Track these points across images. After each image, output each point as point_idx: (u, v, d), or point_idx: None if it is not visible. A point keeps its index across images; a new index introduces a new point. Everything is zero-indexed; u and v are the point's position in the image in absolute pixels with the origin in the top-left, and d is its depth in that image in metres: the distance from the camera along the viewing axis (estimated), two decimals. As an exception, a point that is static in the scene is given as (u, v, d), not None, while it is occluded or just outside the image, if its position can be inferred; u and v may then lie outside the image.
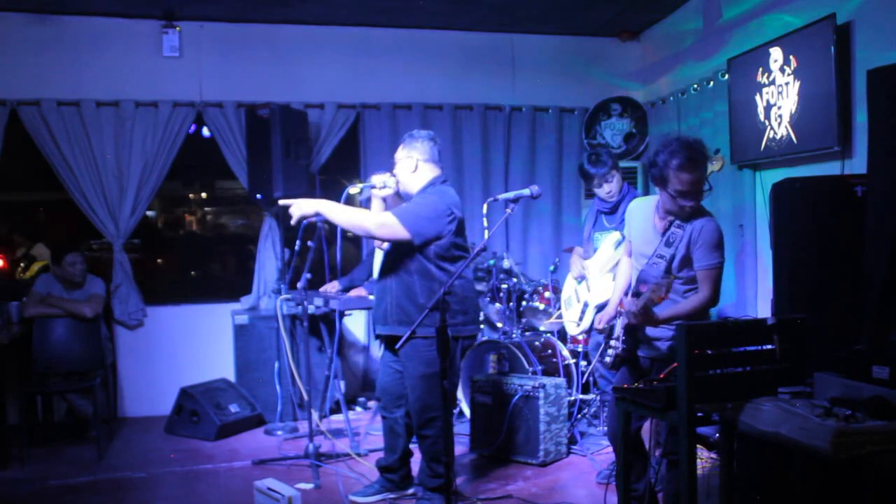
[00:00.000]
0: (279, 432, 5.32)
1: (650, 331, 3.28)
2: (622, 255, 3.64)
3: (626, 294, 3.44)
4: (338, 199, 3.73)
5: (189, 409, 5.36)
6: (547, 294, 5.30)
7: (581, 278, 4.74)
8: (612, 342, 3.30)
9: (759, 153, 4.79)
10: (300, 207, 3.61)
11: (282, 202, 3.77)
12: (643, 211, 3.40)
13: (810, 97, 4.32)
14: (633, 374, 3.31)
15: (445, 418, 3.23)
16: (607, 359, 3.33)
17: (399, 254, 3.75)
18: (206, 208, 9.78)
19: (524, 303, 5.35)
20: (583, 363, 5.10)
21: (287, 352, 5.24)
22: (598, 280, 4.55)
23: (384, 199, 3.93)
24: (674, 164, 3.09)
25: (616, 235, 4.42)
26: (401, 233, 3.63)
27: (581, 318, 4.72)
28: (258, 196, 5.65)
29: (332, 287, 5.29)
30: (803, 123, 4.39)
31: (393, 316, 3.75)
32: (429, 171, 3.86)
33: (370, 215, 3.74)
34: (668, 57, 6.14)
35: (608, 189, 4.48)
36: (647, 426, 3.49)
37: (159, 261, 8.52)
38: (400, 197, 3.92)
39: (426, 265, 3.69)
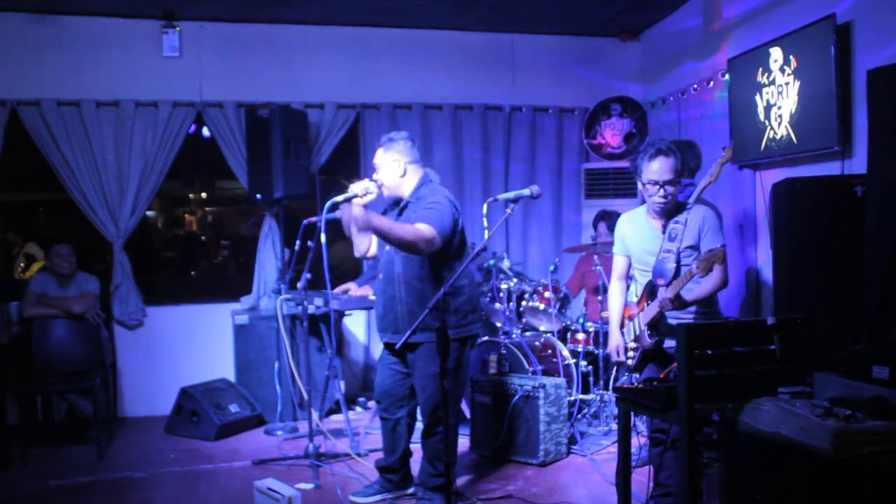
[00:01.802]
0: (279, 432, 5.32)
1: (672, 321, 3.35)
2: (613, 280, 3.67)
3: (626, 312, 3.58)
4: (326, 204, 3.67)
5: (189, 409, 5.36)
6: (547, 294, 5.30)
7: None
8: (630, 343, 3.46)
9: (759, 153, 4.79)
10: (355, 218, 3.54)
11: (336, 200, 3.60)
12: (634, 220, 3.55)
13: (810, 97, 4.32)
14: (661, 368, 3.36)
15: (446, 418, 3.23)
16: (629, 362, 3.49)
17: (408, 261, 3.69)
18: (206, 208, 9.80)
19: (524, 303, 5.35)
20: (583, 363, 5.11)
21: (287, 352, 5.24)
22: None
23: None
24: (645, 156, 3.32)
25: None
26: (438, 243, 3.57)
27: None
28: (258, 196, 5.65)
29: (352, 288, 5.23)
30: (803, 123, 4.39)
31: (406, 324, 3.62)
32: (416, 172, 3.84)
33: (414, 232, 3.53)
34: (668, 57, 6.14)
35: None
36: None
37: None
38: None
39: (439, 271, 3.64)
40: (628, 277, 3.62)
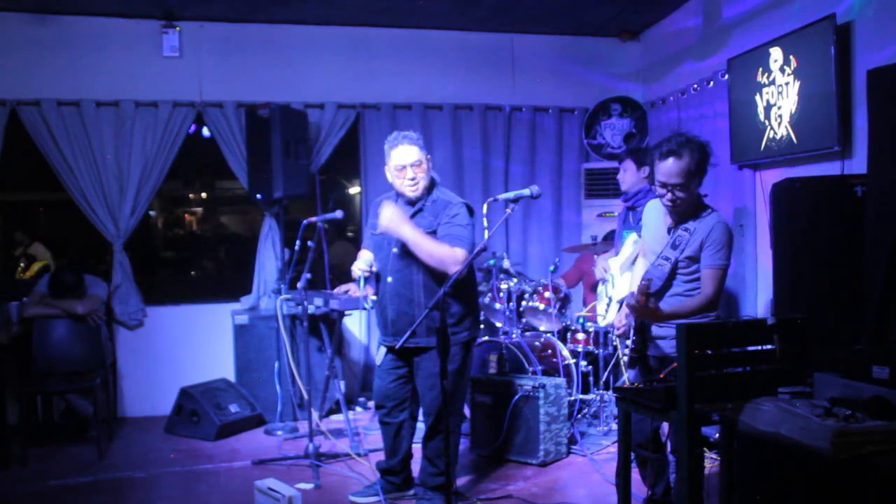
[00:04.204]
0: (279, 432, 5.32)
1: (655, 330, 3.30)
2: (640, 257, 3.62)
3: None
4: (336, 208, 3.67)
5: (189, 409, 5.36)
6: (547, 294, 5.30)
7: (603, 281, 4.78)
8: (628, 341, 3.35)
9: (759, 153, 4.79)
10: (391, 224, 3.56)
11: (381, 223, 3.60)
12: (656, 211, 3.42)
13: (810, 97, 4.32)
14: (644, 373, 3.33)
15: (446, 417, 3.22)
16: (624, 358, 3.39)
17: (428, 267, 3.62)
18: (206, 208, 9.80)
19: (524, 303, 5.35)
20: (583, 363, 5.11)
21: (287, 352, 5.24)
22: (619, 277, 4.57)
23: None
24: (656, 154, 3.17)
25: (635, 235, 4.47)
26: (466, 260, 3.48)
27: (606, 313, 4.75)
28: (258, 196, 5.64)
29: (352, 288, 5.22)
30: (803, 123, 4.39)
31: (424, 329, 3.61)
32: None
33: (451, 254, 3.51)
34: (668, 57, 6.14)
35: (619, 177, 4.76)
36: (665, 425, 3.45)
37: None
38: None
39: (464, 276, 3.55)
40: None
